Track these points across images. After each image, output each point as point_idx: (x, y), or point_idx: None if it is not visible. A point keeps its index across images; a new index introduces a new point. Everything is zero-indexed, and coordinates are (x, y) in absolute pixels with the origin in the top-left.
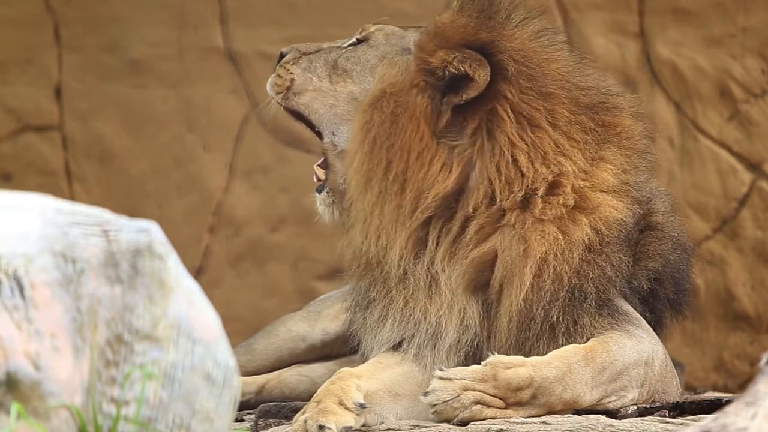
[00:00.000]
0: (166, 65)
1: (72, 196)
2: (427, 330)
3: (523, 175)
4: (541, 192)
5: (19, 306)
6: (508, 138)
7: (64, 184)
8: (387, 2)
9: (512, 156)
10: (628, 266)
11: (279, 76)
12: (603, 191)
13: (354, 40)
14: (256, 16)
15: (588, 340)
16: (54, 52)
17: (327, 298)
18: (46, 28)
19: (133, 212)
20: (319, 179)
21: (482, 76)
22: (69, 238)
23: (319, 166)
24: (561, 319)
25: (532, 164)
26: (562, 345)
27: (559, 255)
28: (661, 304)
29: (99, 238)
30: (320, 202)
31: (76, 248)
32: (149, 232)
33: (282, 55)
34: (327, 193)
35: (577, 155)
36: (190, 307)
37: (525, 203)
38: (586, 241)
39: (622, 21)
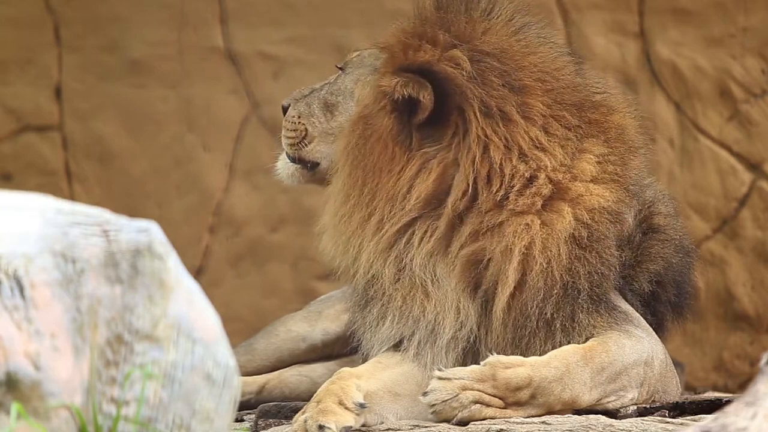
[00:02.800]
0: (166, 65)
1: (72, 196)
2: (426, 326)
3: (501, 172)
4: (517, 187)
5: (19, 306)
6: (478, 134)
7: (64, 184)
8: (387, 2)
9: (485, 151)
10: (620, 261)
11: (292, 130)
12: (584, 181)
13: (338, 72)
14: (256, 16)
15: (587, 339)
16: (54, 52)
17: (327, 298)
18: (46, 28)
19: (133, 212)
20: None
21: (426, 96)
22: (69, 238)
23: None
24: (556, 315)
25: (510, 161)
26: (561, 342)
27: (544, 248)
28: (663, 306)
29: (99, 238)
30: (285, 165)
31: (76, 248)
32: (149, 232)
33: (284, 109)
34: (295, 163)
35: (556, 150)
36: (190, 307)
37: (503, 200)
38: (573, 233)
39: (622, 21)
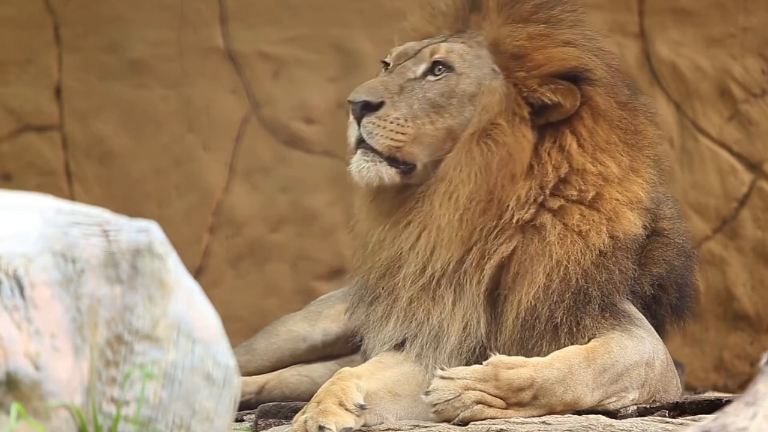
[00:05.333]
0: (166, 65)
1: (72, 196)
2: (429, 332)
3: (576, 172)
4: (587, 199)
5: (19, 306)
6: (579, 133)
7: (64, 184)
8: (387, 2)
9: (571, 148)
10: (634, 273)
11: (399, 133)
12: (630, 208)
13: (426, 66)
14: (256, 16)
15: (589, 340)
16: (54, 52)
17: (328, 298)
18: (46, 28)
19: (133, 212)
20: (363, 142)
21: (571, 102)
22: (69, 238)
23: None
24: (564, 320)
25: (585, 161)
26: (565, 344)
27: (573, 258)
28: (664, 309)
29: (99, 238)
30: (380, 167)
31: (76, 248)
32: (149, 232)
33: (373, 105)
34: (392, 165)
35: (620, 157)
36: (190, 307)
37: (563, 208)
38: (601, 248)
39: (622, 21)
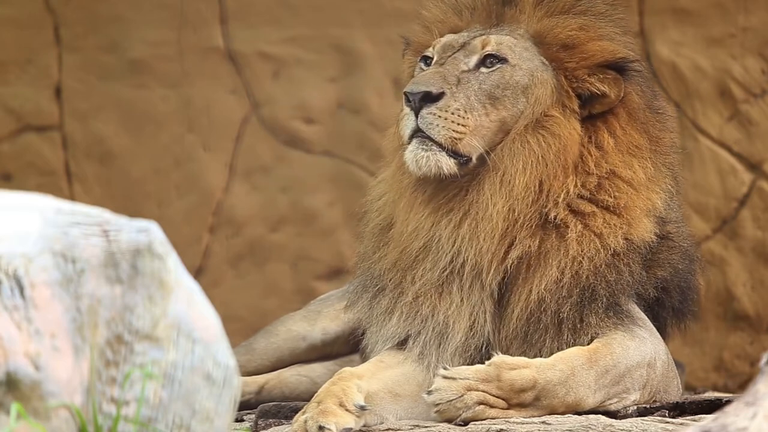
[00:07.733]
0: (166, 65)
1: (72, 196)
2: (434, 328)
3: (608, 166)
4: (617, 207)
5: (19, 306)
6: (613, 129)
7: (64, 184)
8: (387, 2)
9: (606, 145)
10: (641, 277)
11: (460, 125)
12: (647, 215)
13: (478, 57)
14: (256, 16)
15: (591, 338)
16: (54, 52)
17: (327, 297)
18: (46, 28)
19: (133, 212)
20: (419, 132)
21: (616, 94)
22: (69, 238)
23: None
24: (569, 315)
25: (614, 161)
26: (567, 340)
27: (587, 256)
28: (666, 312)
29: (99, 238)
30: (441, 157)
31: (76, 248)
32: (149, 232)
33: (432, 95)
34: (451, 156)
35: (646, 163)
36: (190, 307)
37: (593, 214)
38: (616, 248)
39: None
